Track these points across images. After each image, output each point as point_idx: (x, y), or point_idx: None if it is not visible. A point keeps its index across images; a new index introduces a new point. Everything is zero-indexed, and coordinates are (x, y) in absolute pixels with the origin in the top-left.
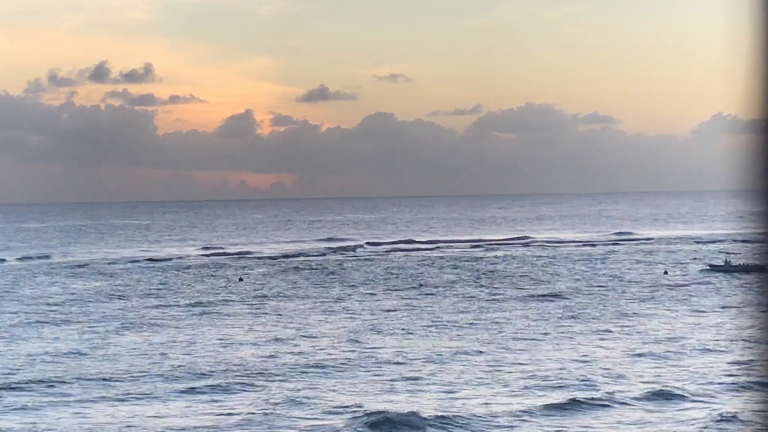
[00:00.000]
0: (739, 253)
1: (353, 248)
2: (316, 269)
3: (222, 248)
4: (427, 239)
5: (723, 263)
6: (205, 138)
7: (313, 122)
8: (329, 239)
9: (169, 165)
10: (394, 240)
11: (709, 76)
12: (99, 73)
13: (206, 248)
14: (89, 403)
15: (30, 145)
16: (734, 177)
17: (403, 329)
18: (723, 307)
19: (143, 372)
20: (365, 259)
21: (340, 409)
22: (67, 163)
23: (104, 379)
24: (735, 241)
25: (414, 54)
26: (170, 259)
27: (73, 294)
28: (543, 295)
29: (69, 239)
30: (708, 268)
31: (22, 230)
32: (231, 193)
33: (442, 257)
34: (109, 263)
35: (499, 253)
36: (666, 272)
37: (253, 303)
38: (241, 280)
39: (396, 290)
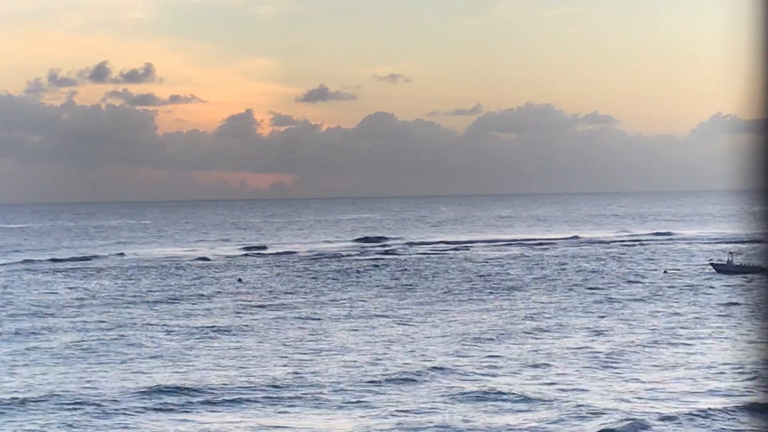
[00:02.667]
0: (741, 254)
1: (406, 245)
2: (380, 268)
3: (264, 246)
4: (481, 238)
5: (726, 262)
6: (205, 138)
7: (313, 122)
8: (378, 238)
9: (169, 165)
10: (450, 239)
11: (709, 76)
12: (99, 73)
13: (247, 247)
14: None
15: (30, 145)
16: (734, 177)
17: (528, 330)
18: None
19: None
20: (433, 256)
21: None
22: (68, 163)
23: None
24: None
25: (414, 54)
26: (208, 260)
27: (155, 293)
28: (640, 294)
29: (111, 239)
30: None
31: (54, 229)
32: (231, 193)
33: (501, 257)
34: (171, 261)
35: (562, 251)
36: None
37: (359, 303)
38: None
39: (489, 291)
